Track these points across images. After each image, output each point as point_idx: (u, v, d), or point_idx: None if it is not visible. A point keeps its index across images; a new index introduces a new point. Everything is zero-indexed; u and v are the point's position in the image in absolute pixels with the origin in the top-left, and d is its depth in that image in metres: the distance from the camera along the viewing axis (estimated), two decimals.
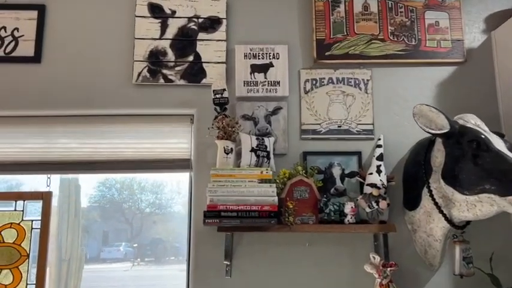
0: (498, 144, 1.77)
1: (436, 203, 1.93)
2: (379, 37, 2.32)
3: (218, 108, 2.13)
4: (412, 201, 2.09)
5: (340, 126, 2.25)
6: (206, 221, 1.88)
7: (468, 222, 1.97)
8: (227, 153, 2.04)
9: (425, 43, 2.32)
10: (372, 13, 2.35)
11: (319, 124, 2.25)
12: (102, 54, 2.28)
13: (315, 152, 2.22)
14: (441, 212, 1.92)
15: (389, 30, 2.33)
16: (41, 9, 2.29)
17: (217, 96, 2.13)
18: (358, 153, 2.22)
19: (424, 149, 2.05)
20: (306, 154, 2.22)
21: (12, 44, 2.25)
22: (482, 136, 1.77)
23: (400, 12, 2.36)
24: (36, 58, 2.25)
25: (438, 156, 1.93)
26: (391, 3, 2.36)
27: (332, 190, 2.18)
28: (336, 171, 2.20)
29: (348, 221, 2.02)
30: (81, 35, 2.30)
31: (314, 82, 2.29)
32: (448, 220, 1.90)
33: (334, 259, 2.12)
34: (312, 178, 2.07)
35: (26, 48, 2.25)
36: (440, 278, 2.11)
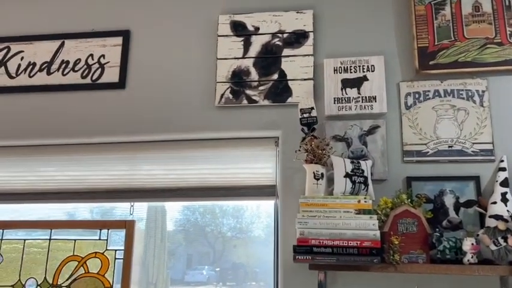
0: None
1: None
2: (495, 41, 1.97)
3: (306, 129, 1.91)
4: None
5: (451, 147, 1.91)
6: (297, 257, 1.64)
7: None
8: (317, 179, 1.80)
9: None
10: (485, 13, 2.00)
11: (425, 144, 1.93)
12: (185, 77, 2.20)
13: (421, 177, 1.90)
14: None
15: (508, 32, 1.97)
16: (126, 35, 2.28)
17: (305, 115, 1.91)
18: (476, 178, 1.86)
19: None
20: (411, 180, 1.90)
21: (99, 71, 2.26)
22: None
23: None
24: (121, 84, 2.22)
25: None
26: (509, 1, 2.00)
27: (444, 223, 1.83)
28: (449, 200, 1.86)
29: (468, 260, 1.66)
30: (163, 58, 2.25)
31: (417, 96, 1.99)
32: None
33: None
34: (419, 208, 1.75)
35: (111, 75, 2.24)
36: None
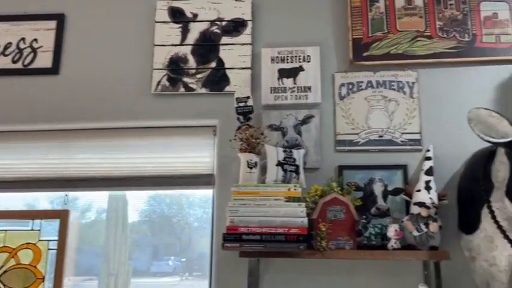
0: None
1: (499, 226, 1.60)
2: (425, 34, 2.03)
3: (241, 118, 1.91)
4: (469, 224, 1.76)
5: (381, 136, 1.97)
6: (225, 244, 1.66)
7: None
8: (251, 168, 1.82)
9: (481, 38, 2.00)
10: (417, 7, 2.06)
11: (357, 134, 1.98)
12: (121, 63, 2.15)
13: (352, 166, 1.95)
14: (506, 237, 1.58)
15: (438, 26, 2.03)
16: (60, 19, 2.20)
17: (241, 104, 1.92)
18: (404, 167, 1.92)
19: (483, 161, 1.73)
20: (342, 168, 1.95)
21: (31, 55, 2.17)
22: None
23: (450, 4, 2.06)
24: (54, 69, 2.15)
25: (501, 169, 1.60)
26: None
27: (373, 210, 1.89)
28: (378, 188, 1.92)
29: (392, 246, 1.72)
30: (99, 43, 2.19)
31: (351, 87, 2.03)
32: None
33: None
34: (348, 196, 1.80)
35: (44, 60, 2.16)
36: None
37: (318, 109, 2.02)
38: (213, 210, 2.01)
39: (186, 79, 2.08)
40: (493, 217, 1.62)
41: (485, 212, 1.66)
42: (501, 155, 1.62)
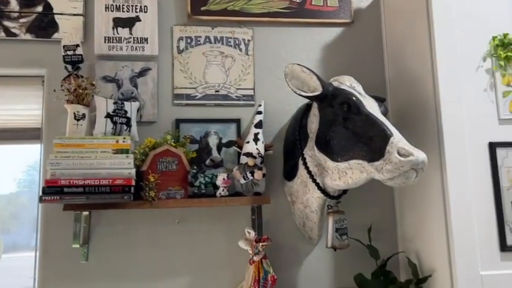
0: (371, 107, 1.65)
1: (309, 172, 1.79)
2: None
3: (70, 67, 1.81)
4: (290, 171, 1.93)
5: (217, 91, 2.03)
6: (44, 198, 1.59)
7: (344, 192, 1.85)
8: (78, 120, 1.74)
9: (310, 1, 2.14)
10: None
11: (195, 88, 2.02)
12: None
13: (189, 120, 1.99)
14: (314, 181, 1.77)
15: None
16: None
17: (69, 53, 1.80)
18: (237, 121, 2.02)
19: (300, 114, 1.89)
20: (179, 122, 1.98)
21: None
22: (354, 98, 1.63)
23: None
24: None
25: (314, 121, 1.77)
26: None
27: (208, 161, 1.97)
28: (213, 141, 1.99)
29: (220, 193, 1.83)
30: None
31: (189, 41, 2.04)
32: (322, 189, 1.77)
33: (208, 237, 1.93)
34: (182, 148, 1.84)
35: None
36: (320, 252, 1.99)
37: (155, 62, 2.00)
38: (41, 166, 1.90)
39: (7, 23, 1.88)
40: (304, 163, 1.80)
41: (301, 160, 1.84)
42: (314, 108, 1.78)
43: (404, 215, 2.00)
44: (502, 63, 1.72)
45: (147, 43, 1.98)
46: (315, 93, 1.68)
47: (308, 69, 1.69)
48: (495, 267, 1.63)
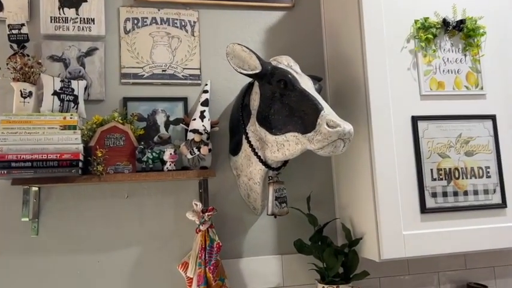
0: (306, 84, 1.78)
1: (251, 146, 1.92)
2: None
3: (15, 46, 1.84)
4: (235, 147, 2.05)
5: (164, 71, 2.11)
6: None
7: (284, 164, 2.00)
8: (24, 97, 1.78)
9: None
10: None
11: (142, 68, 2.09)
12: None
13: (136, 98, 2.06)
14: (256, 154, 1.91)
15: None
16: None
17: (14, 32, 1.83)
18: (184, 99, 2.11)
19: (243, 92, 2.01)
20: (127, 100, 2.05)
21: None
22: (289, 76, 1.76)
23: None
24: None
25: (255, 99, 1.89)
26: None
27: (156, 138, 2.05)
28: (160, 118, 2.08)
29: (167, 168, 1.92)
30: None
31: (136, 22, 2.10)
32: (263, 162, 1.90)
33: (157, 210, 2.03)
34: (130, 125, 1.92)
35: None
36: (264, 221, 2.14)
37: (103, 42, 2.05)
38: None
39: None
40: (247, 138, 1.93)
41: (244, 135, 1.96)
42: (256, 86, 1.90)
43: (340, 185, 2.18)
44: (423, 44, 1.91)
45: (93, 23, 2.02)
46: (254, 71, 1.79)
47: (248, 48, 1.80)
48: (416, 227, 1.83)
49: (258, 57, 1.80)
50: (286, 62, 1.86)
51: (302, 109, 1.69)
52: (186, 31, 2.16)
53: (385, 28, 1.91)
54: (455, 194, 1.87)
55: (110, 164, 1.85)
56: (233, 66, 1.80)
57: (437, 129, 1.89)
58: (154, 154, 1.93)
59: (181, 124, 2.05)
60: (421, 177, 1.86)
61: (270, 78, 1.80)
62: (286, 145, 1.77)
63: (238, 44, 1.80)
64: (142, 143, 1.94)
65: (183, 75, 2.13)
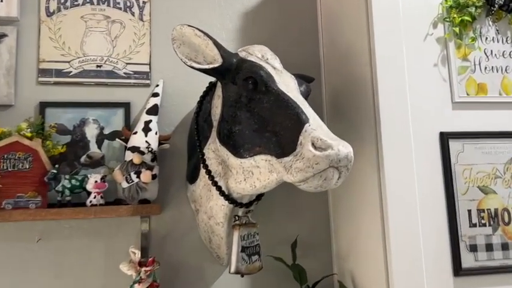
0: (287, 85, 1.22)
1: (208, 172, 1.35)
2: None
3: None
4: (193, 172, 1.49)
5: (100, 66, 1.56)
6: None
7: (258, 198, 1.42)
8: None
9: None
10: None
11: (69, 62, 1.54)
12: None
13: (59, 103, 1.51)
14: (215, 184, 1.33)
15: None
16: None
17: None
18: (126, 105, 1.56)
19: (203, 96, 1.45)
20: (45, 106, 1.50)
21: None
22: (261, 72, 1.20)
23: None
24: None
25: (218, 105, 1.33)
26: None
27: (84, 158, 1.50)
28: (91, 131, 1.52)
29: (91, 202, 1.36)
30: None
31: (63, 1, 1.56)
32: (225, 195, 1.33)
33: (81, 258, 1.46)
34: (39, 140, 1.37)
35: None
36: (232, 275, 1.55)
37: (15, 26, 1.51)
38: None
39: None
40: (203, 161, 1.36)
41: (201, 156, 1.39)
42: (218, 87, 1.34)
43: (339, 226, 1.60)
44: (457, 29, 1.33)
45: (2, 1, 1.48)
46: (212, 65, 1.24)
47: (204, 32, 1.25)
48: None
49: (217, 45, 1.24)
50: (259, 54, 1.29)
51: (278, 120, 1.12)
52: (133, 14, 1.61)
53: (401, 8, 1.34)
54: (505, 247, 1.29)
55: (8, 196, 1.30)
56: (181, 58, 1.25)
57: (478, 152, 1.32)
58: (73, 182, 1.37)
59: (117, 139, 1.49)
60: (454, 222, 1.28)
61: (235, 75, 1.23)
62: (255, 173, 1.20)
63: (190, 26, 1.25)
64: (58, 165, 1.38)
65: (125, 73, 1.58)
